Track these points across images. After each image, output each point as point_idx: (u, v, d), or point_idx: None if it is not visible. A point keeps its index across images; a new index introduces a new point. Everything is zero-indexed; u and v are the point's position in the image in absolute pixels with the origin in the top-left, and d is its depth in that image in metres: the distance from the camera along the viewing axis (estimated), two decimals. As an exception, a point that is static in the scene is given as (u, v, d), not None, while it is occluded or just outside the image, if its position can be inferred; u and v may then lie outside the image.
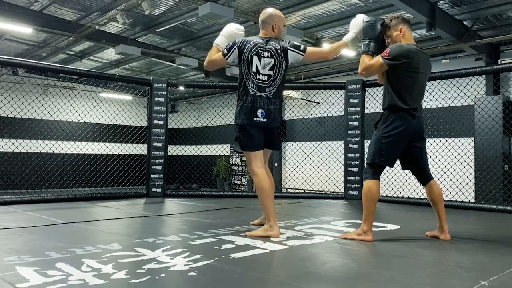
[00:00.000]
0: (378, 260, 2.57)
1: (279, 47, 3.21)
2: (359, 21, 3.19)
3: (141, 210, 4.69)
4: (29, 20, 8.39)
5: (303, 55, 3.24)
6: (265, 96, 3.20)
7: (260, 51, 3.20)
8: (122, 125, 8.98)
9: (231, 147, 14.12)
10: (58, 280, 1.90)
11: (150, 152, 5.97)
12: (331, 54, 3.32)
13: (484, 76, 8.14)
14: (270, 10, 3.33)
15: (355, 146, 5.91)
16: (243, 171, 13.84)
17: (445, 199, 3.14)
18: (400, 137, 2.92)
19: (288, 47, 3.22)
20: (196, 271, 2.08)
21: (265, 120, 3.20)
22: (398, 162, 3.11)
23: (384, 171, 3.10)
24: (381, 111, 3.08)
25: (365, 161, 3.06)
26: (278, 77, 3.23)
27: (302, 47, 3.26)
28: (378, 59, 2.92)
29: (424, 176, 3.08)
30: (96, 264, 2.17)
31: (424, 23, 7.23)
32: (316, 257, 2.53)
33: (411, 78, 2.91)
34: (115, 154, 10.16)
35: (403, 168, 3.12)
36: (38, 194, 5.67)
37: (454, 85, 5.66)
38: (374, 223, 3.03)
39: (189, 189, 11.74)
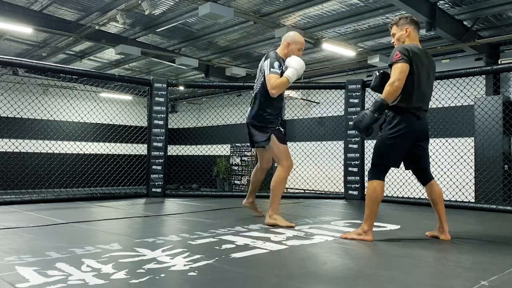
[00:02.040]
0: (378, 260, 2.57)
1: (263, 62, 3.59)
2: (300, 60, 3.45)
3: (141, 210, 4.69)
4: (29, 20, 8.39)
5: (264, 77, 3.53)
6: (252, 95, 3.71)
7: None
8: (122, 125, 8.97)
9: (231, 147, 14.12)
10: (58, 280, 1.90)
11: (150, 152, 5.97)
12: (274, 90, 3.42)
13: (484, 76, 8.13)
14: (291, 32, 3.69)
15: (355, 146, 5.91)
16: (243, 171, 13.84)
17: (445, 199, 3.14)
18: (405, 138, 2.92)
19: (263, 64, 3.57)
20: (196, 271, 2.08)
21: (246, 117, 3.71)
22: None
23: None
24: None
25: (370, 162, 3.06)
26: (257, 83, 3.64)
27: (267, 71, 3.46)
28: (395, 65, 2.85)
29: (425, 176, 3.09)
30: (96, 264, 2.17)
31: (424, 23, 7.22)
32: (316, 257, 2.53)
33: (413, 78, 2.89)
34: (115, 154, 10.15)
35: (406, 168, 3.12)
36: (38, 194, 5.66)
37: (454, 85, 5.66)
38: (374, 223, 3.03)
39: (189, 189, 11.74)
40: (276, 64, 3.44)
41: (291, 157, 3.63)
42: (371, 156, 3.07)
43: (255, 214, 4.00)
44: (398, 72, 2.84)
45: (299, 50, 3.56)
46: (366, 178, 4.92)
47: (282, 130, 3.64)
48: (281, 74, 3.44)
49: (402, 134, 2.90)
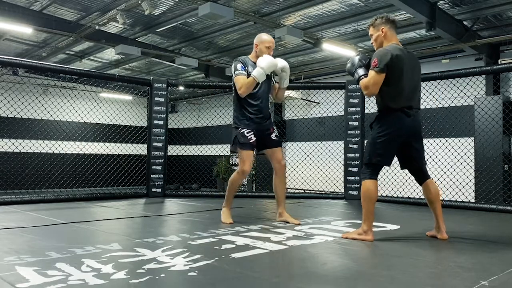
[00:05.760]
0: (378, 260, 2.57)
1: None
2: (267, 58, 3.54)
3: (141, 210, 4.70)
4: (29, 20, 8.38)
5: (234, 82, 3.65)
6: None
7: None
8: (122, 125, 8.97)
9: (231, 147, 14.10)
10: (58, 280, 1.90)
11: (150, 152, 5.98)
12: (240, 90, 3.56)
13: (484, 76, 8.12)
14: (259, 34, 3.76)
15: (355, 146, 5.91)
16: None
17: (445, 199, 3.16)
18: (395, 136, 2.94)
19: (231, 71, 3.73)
20: (196, 271, 2.08)
21: None
22: (397, 162, 3.12)
23: (384, 171, 3.11)
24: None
25: (363, 162, 3.08)
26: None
27: (233, 75, 3.63)
28: (371, 73, 2.94)
29: (421, 176, 3.10)
30: (96, 264, 2.17)
31: (424, 23, 7.22)
32: (316, 257, 2.53)
33: (396, 79, 2.91)
34: (115, 154, 10.16)
35: (402, 167, 3.15)
36: (38, 194, 5.67)
37: (454, 85, 5.66)
38: (374, 223, 3.04)
39: (189, 189, 11.74)
40: (238, 66, 3.62)
41: (250, 162, 3.71)
42: None
43: (291, 222, 3.65)
44: (372, 82, 2.93)
45: (267, 48, 3.65)
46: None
47: (255, 132, 3.66)
48: (248, 74, 3.57)
49: (392, 133, 2.93)
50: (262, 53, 3.64)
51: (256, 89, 3.63)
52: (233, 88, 3.71)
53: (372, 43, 3.14)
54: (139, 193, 6.05)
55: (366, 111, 6.05)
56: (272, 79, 3.81)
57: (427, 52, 9.16)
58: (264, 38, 3.69)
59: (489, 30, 8.45)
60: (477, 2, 7.18)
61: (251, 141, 3.63)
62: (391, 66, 2.88)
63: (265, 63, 3.52)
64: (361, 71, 3.04)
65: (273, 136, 3.75)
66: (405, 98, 2.94)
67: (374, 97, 3.04)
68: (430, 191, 3.06)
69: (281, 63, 3.67)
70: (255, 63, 3.64)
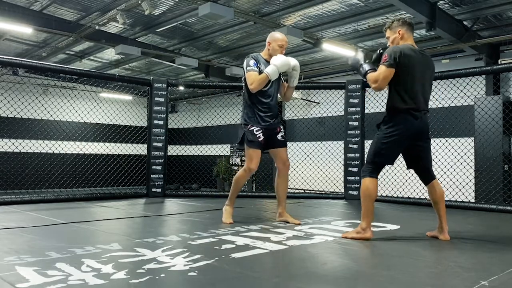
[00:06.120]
0: (378, 260, 2.57)
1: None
2: (281, 57, 3.56)
3: (141, 210, 4.70)
4: (29, 20, 8.38)
5: (245, 78, 3.64)
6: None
7: None
8: (122, 125, 8.97)
9: (231, 147, 14.11)
10: (58, 280, 1.90)
11: (150, 152, 5.98)
12: (252, 85, 3.55)
13: (484, 76, 8.12)
14: (272, 32, 3.78)
15: (355, 146, 5.91)
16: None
17: (445, 199, 3.15)
18: (401, 138, 2.94)
19: (243, 67, 3.74)
20: (196, 271, 2.08)
21: None
22: (399, 162, 3.13)
23: (384, 171, 3.11)
24: (382, 111, 3.11)
25: (365, 160, 3.08)
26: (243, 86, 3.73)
27: (245, 71, 3.63)
28: (381, 68, 2.94)
29: (427, 176, 3.10)
30: (96, 264, 2.17)
31: (424, 23, 7.21)
32: (316, 257, 2.53)
33: (407, 78, 2.92)
34: (115, 154, 10.16)
35: (408, 167, 3.15)
36: (38, 194, 5.67)
37: (454, 85, 5.66)
38: (374, 223, 3.04)
39: (189, 189, 11.73)
40: (251, 62, 3.61)
41: (257, 161, 3.63)
42: None
43: (291, 222, 3.66)
44: (382, 76, 2.93)
45: (280, 46, 3.64)
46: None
47: (265, 130, 3.62)
48: (260, 72, 3.56)
49: (397, 134, 2.93)
50: (275, 51, 3.64)
51: (267, 87, 3.62)
52: (243, 85, 3.70)
53: (389, 45, 3.15)
54: (139, 193, 6.05)
55: (366, 111, 6.06)
56: (281, 77, 3.80)
57: (427, 52, 9.14)
58: (277, 36, 3.68)
59: (489, 30, 8.45)
60: (477, 2, 7.17)
61: (259, 139, 3.60)
62: (400, 63, 2.89)
63: (279, 61, 3.53)
64: (366, 66, 3.06)
65: (279, 136, 3.73)
66: (413, 99, 2.94)
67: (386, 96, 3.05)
68: (436, 191, 3.06)
69: (293, 62, 3.67)
70: (266, 60, 3.65)
